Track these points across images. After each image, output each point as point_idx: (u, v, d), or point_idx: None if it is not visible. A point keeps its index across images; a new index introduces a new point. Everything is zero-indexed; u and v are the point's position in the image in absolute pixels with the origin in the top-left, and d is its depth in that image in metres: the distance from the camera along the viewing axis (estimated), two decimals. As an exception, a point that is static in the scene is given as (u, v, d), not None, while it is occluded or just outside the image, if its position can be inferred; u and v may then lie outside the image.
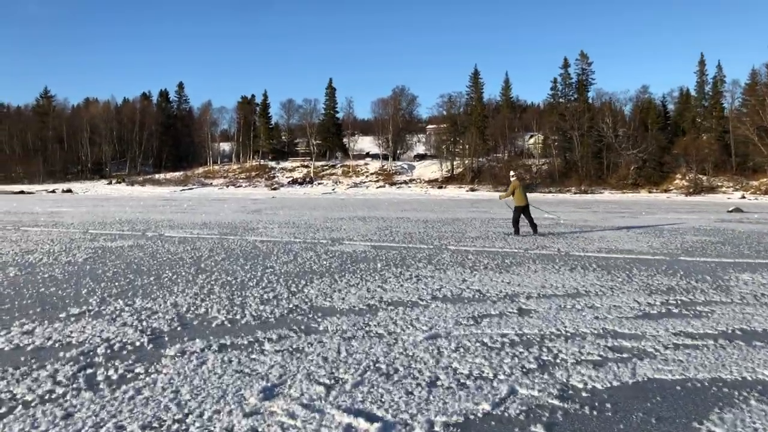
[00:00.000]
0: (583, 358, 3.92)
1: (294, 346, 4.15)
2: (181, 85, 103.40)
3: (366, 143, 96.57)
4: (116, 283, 6.53)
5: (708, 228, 15.44)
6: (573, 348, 4.14)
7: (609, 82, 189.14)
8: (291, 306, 5.45)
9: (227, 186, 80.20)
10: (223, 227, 14.84)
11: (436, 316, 5.08)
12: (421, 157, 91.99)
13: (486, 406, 3.08)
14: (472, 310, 5.32)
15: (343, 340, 4.30)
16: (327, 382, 3.42)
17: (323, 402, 3.12)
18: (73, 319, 4.88)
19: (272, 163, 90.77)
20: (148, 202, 35.60)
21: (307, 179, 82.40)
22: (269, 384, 3.37)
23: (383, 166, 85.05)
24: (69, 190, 70.19)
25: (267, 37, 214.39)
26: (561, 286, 6.55)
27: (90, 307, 5.29)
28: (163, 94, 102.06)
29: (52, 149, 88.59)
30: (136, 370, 3.60)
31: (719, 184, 61.47)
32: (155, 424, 2.82)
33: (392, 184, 77.82)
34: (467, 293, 6.10)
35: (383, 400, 3.15)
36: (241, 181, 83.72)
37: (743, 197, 51.77)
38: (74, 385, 3.34)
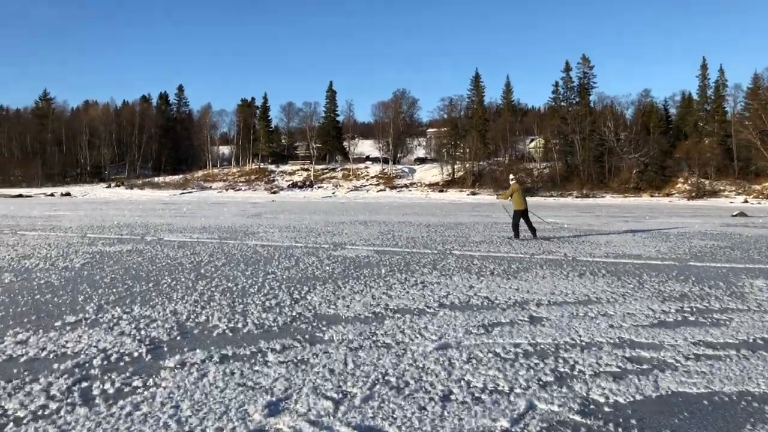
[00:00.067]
0: (601, 369, 3.75)
1: (299, 357, 3.97)
2: (180, 88, 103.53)
3: (366, 147, 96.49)
4: (114, 290, 6.35)
5: (714, 232, 15.28)
6: (590, 359, 3.97)
7: (611, 85, 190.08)
8: (294, 314, 5.27)
9: (227, 189, 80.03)
10: (222, 231, 14.67)
11: (444, 324, 4.91)
12: (421, 160, 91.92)
13: (504, 423, 2.91)
14: (482, 318, 5.15)
15: (350, 351, 4.13)
16: (335, 396, 3.25)
17: (332, 418, 2.95)
18: (68, 328, 4.70)
19: (272, 167, 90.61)
20: (147, 206, 35.43)
21: (307, 183, 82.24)
22: (274, 398, 3.20)
23: (384, 169, 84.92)
24: (67, 194, 69.98)
25: (268, 40, 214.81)
26: (571, 292, 6.38)
27: (87, 315, 5.12)
28: (163, 97, 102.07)
29: (51, 152, 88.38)
30: (134, 384, 3.42)
31: (721, 188, 61.33)
32: (153, 444, 2.65)
33: (393, 187, 77.68)
34: (475, 300, 5.93)
35: (395, 416, 2.98)
36: (240, 184, 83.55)
37: (746, 201, 51.64)
38: (69, 400, 3.16)
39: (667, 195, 61.69)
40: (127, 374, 3.59)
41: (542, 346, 4.27)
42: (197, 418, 2.92)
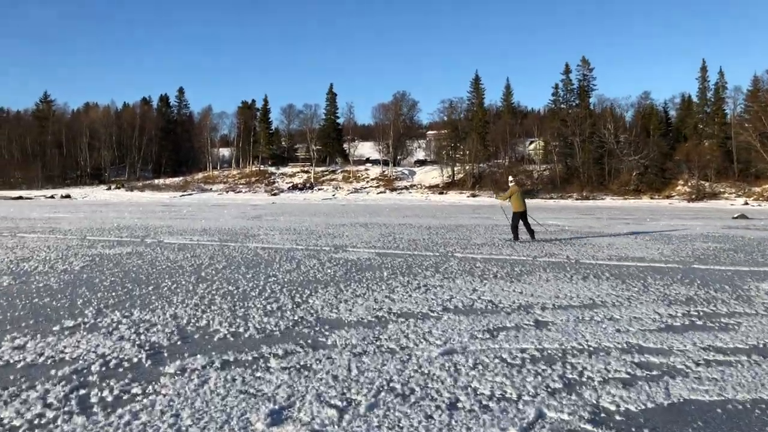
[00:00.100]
0: (610, 376, 3.68)
1: (301, 363, 3.90)
2: (181, 90, 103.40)
3: (366, 149, 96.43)
4: (113, 293, 6.27)
5: (716, 235, 15.20)
6: (598, 365, 3.89)
7: (610, 87, 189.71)
8: (296, 318, 5.20)
9: (227, 191, 79.95)
10: (223, 234, 14.59)
11: (449, 329, 4.83)
12: (421, 162, 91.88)
13: (514, 433, 2.83)
14: (487, 322, 5.07)
15: (353, 356, 4.05)
16: (339, 404, 3.17)
17: (336, 427, 2.87)
18: (67, 332, 4.63)
19: (272, 169, 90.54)
20: (147, 208, 35.36)
21: (307, 185, 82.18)
22: (277, 406, 3.12)
23: (384, 171, 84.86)
24: (67, 196, 69.91)
25: (268, 42, 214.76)
26: (576, 296, 6.30)
27: (85, 320, 5.04)
28: (164, 99, 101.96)
29: (51, 154, 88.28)
30: (133, 391, 3.34)
31: (721, 190, 61.27)
32: (153, 455, 2.57)
33: (393, 189, 77.61)
34: (479, 304, 5.85)
35: (401, 425, 2.90)
36: (240, 186, 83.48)
37: (746, 203, 51.57)
38: (66, 408, 3.09)
39: (667, 197, 61.63)
40: (126, 381, 3.51)
41: (549, 352, 4.20)
42: (198, 427, 2.85)
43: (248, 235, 14.32)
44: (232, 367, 3.79)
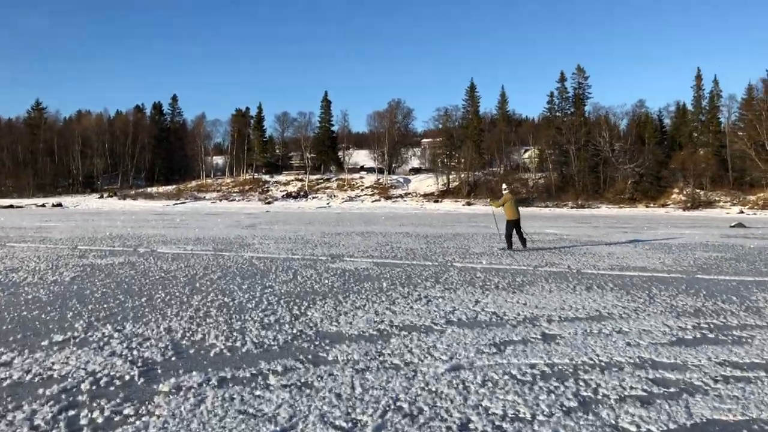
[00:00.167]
0: (626, 393, 3.52)
1: (302, 380, 3.72)
2: (174, 98, 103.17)
3: (361, 157, 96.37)
4: (105, 306, 6.07)
5: (716, 244, 15.13)
6: (612, 381, 3.73)
7: (606, 96, 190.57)
8: (295, 331, 5.01)
9: (220, 200, 79.58)
10: (217, 243, 14.38)
11: (454, 343, 4.66)
12: (416, 170, 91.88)
13: (531, 457, 2.66)
14: (492, 335, 4.91)
15: (356, 373, 3.88)
16: (344, 425, 3.00)
17: (342, 452, 2.69)
18: (56, 347, 4.42)
19: (266, 177, 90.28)
20: (140, 217, 35.03)
21: (302, 193, 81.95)
22: (278, 428, 2.94)
23: (379, 179, 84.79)
24: (59, 204, 69.28)
25: (263, 50, 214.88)
26: (581, 307, 6.15)
27: (75, 334, 4.84)
28: (157, 107, 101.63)
29: (43, 162, 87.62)
30: (125, 412, 3.15)
31: (717, 198, 61.48)
32: (146, 485, 2.38)
33: (388, 197, 77.50)
34: (483, 316, 5.69)
35: (412, 449, 2.73)
36: (234, 195, 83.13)
37: (741, 212, 51.74)
38: (54, 431, 2.89)
39: (663, 205, 61.80)
40: (118, 401, 3.32)
41: (560, 367, 4.04)
42: (195, 452, 2.66)
43: (243, 244, 14.12)
44: (230, 385, 3.61)
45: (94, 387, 3.55)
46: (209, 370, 3.90)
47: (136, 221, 27.65)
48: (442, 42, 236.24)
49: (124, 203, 72.76)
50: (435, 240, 15.73)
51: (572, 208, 63.31)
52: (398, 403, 3.33)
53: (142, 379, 3.70)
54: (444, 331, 5.05)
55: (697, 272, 9.06)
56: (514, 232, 12.85)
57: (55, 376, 3.76)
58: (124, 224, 24.26)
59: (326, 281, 7.90)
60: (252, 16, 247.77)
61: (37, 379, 3.71)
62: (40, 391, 3.48)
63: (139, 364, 4.00)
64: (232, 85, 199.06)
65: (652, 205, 62.52)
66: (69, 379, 3.69)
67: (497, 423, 3.05)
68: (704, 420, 3.11)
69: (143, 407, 3.22)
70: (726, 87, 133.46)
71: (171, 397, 3.39)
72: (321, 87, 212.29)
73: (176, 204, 72.93)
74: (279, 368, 3.95)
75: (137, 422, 3.01)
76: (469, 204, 68.30)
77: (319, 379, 3.75)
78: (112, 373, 3.80)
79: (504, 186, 14.56)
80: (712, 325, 5.31)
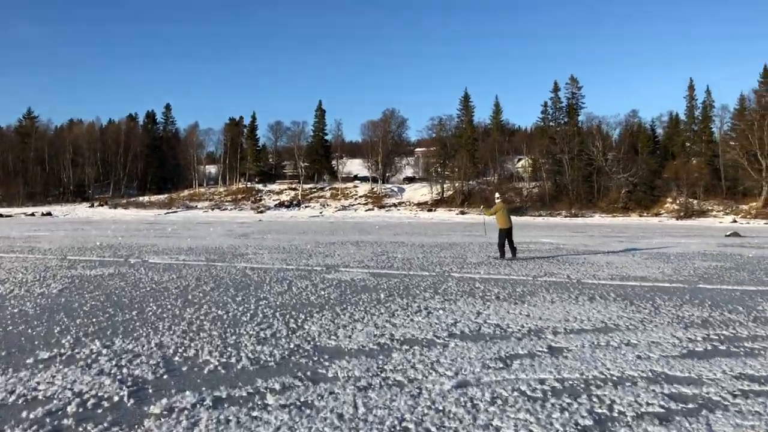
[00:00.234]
0: (643, 410, 3.35)
1: (302, 399, 3.52)
2: (168, 107, 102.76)
3: (355, 166, 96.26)
4: (94, 320, 5.84)
5: (714, 253, 15.05)
6: (627, 397, 3.57)
7: (599, 105, 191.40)
8: (292, 346, 4.82)
9: (213, 209, 79.08)
10: (210, 253, 14.14)
11: (458, 357, 4.49)
12: (410, 179, 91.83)
13: (550, 484, 2.48)
14: (497, 349, 4.74)
15: (358, 391, 3.69)
16: (348, 450, 2.81)
17: (347, 481, 2.50)
18: (41, 365, 4.20)
19: (259, 186, 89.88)
20: (132, 226, 34.64)
21: (295, 202, 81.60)
22: (278, 454, 2.75)
23: (372, 188, 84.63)
24: (49, 213, 68.55)
25: (257, 58, 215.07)
26: (586, 319, 5.99)
27: (62, 350, 4.61)
28: (150, 116, 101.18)
29: (34, 171, 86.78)
30: (113, 436, 2.95)
31: (710, 208, 61.66)
32: None
33: (381, 207, 77.30)
34: (486, 329, 5.52)
35: (422, 476, 2.55)
36: (226, 204, 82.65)
37: (735, 221, 51.92)
38: (35, 459, 2.69)
39: (656, 215, 61.91)
40: (106, 425, 3.11)
41: (570, 382, 3.87)
42: (188, 482, 2.46)
43: (236, 254, 13.89)
44: (225, 405, 3.41)
45: (80, 409, 3.34)
46: (203, 389, 3.70)
47: (127, 230, 27.29)
48: (437, 52, 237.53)
49: (115, 212, 72.15)
50: (431, 249, 15.56)
51: (566, 217, 63.34)
52: (404, 424, 3.15)
53: (131, 400, 3.49)
54: (447, 345, 4.87)
55: (698, 282, 8.94)
56: (506, 240, 12.78)
57: (40, 397, 3.55)
58: (115, 234, 23.92)
59: (322, 292, 7.71)
60: (247, 26, 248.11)
61: (20, 400, 3.50)
62: (24, 414, 3.27)
63: (129, 384, 3.79)
64: (226, 94, 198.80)
65: (645, 214, 62.63)
66: (54, 401, 3.47)
67: (511, 445, 2.87)
68: (728, 440, 2.95)
69: (133, 431, 3.02)
70: (718, 97, 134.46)
71: (162, 420, 3.19)
72: (315, 96, 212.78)
73: (168, 213, 72.41)
74: (277, 386, 3.76)
75: (126, 448, 2.81)
76: (463, 213, 68.21)
77: (319, 398, 3.56)
78: (100, 394, 3.59)
79: (497, 195, 14.56)
80: (722, 337, 5.17)
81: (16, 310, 6.32)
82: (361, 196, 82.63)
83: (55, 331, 5.32)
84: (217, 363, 4.29)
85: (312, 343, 4.94)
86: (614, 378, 3.96)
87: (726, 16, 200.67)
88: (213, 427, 3.07)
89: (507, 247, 12.79)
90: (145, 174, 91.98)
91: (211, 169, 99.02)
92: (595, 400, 3.53)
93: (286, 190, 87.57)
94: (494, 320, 5.90)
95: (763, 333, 5.33)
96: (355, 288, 8.14)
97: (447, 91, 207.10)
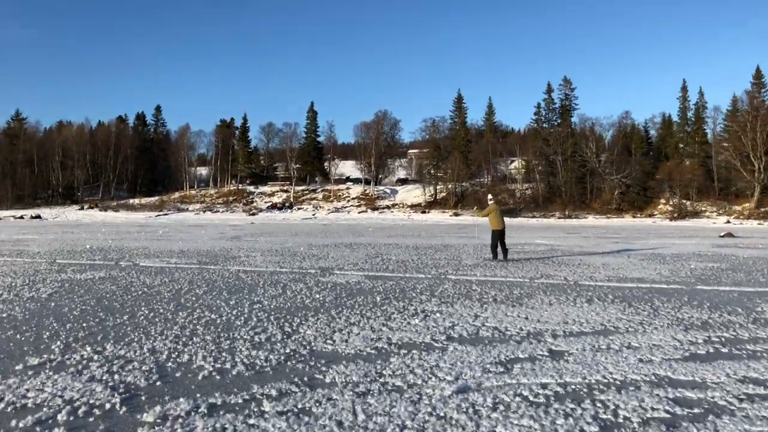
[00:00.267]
0: (648, 415, 3.29)
1: (299, 406, 3.43)
2: (158, 108, 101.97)
3: (347, 168, 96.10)
4: (84, 324, 5.71)
5: (709, 254, 15.08)
6: (631, 401, 3.50)
7: (592, 107, 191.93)
8: (288, 351, 4.72)
9: (204, 211, 78.64)
10: (202, 255, 14.00)
11: (458, 361, 4.41)
12: (403, 181, 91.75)
13: (559, 494, 2.41)
14: (497, 353, 4.66)
15: (357, 397, 3.60)
16: (349, 459, 2.72)
17: (350, 492, 2.42)
18: (31, 372, 4.08)
19: (251, 188, 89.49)
20: (122, 229, 34.35)
21: (287, 204, 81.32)
22: (276, 464, 2.65)
23: (365, 190, 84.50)
24: (37, 216, 67.86)
25: (248, 60, 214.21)
26: (585, 321, 5.93)
27: (52, 356, 4.49)
28: (140, 118, 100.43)
29: (22, 173, 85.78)
30: (105, 447, 2.85)
31: (703, 208, 62.03)
32: None
33: (374, 208, 77.19)
34: (485, 332, 5.45)
35: (426, 487, 2.46)
36: (218, 206, 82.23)
37: (728, 222, 52.26)
38: (22, 472, 2.58)
39: (650, 216, 62.21)
40: (97, 434, 3.00)
41: (573, 387, 3.80)
42: (184, 495, 2.36)
43: (228, 257, 13.75)
44: (221, 413, 3.31)
45: (71, 417, 3.23)
46: (198, 395, 3.60)
47: (117, 233, 27.04)
48: (430, 53, 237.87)
49: (105, 215, 71.56)
50: (425, 251, 15.50)
51: (559, 218, 63.52)
52: (406, 431, 3.06)
53: (124, 408, 3.38)
54: (446, 349, 4.79)
55: (696, 283, 8.92)
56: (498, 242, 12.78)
57: (30, 405, 3.44)
58: (105, 237, 23.68)
59: (317, 296, 7.61)
60: (237, 27, 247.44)
61: (9, 408, 3.38)
62: (13, 422, 3.15)
63: (121, 391, 3.68)
64: (217, 96, 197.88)
65: (639, 215, 62.93)
66: (44, 409, 3.36)
67: (516, 453, 2.79)
68: (738, 446, 2.88)
69: (125, 441, 2.91)
70: (711, 99, 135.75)
71: (156, 428, 3.09)
72: (307, 98, 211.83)
73: (159, 216, 71.90)
74: (273, 392, 3.67)
75: (118, 459, 2.70)
76: (456, 215, 68.27)
77: (317, 404, 3.47)
78: (91, 401, 3.48)
79: (489, 197, 14.56)
80: (723, 339, 5.12)
81: (4, 315, 6.18)
82: (353, 198, 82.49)
83: (45, 336, 5.19)
84: (211, 368, 4.18)
85: (308, 347, 4.85)
86: (617, 382, 3.90)
87: (718, 17, 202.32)
88: (209, 437, 2.97)
89: (500, 249, 12.77)
90: (136, 176, 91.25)
91: (202, 171, 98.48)
92: (599, 405, 3.46)
93: (278, 192, 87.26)
94: (492, 323, 5.83)
95: (763, 335, 5.29)
96: (351, 291, 8.05)
97: (440, 93, 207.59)
